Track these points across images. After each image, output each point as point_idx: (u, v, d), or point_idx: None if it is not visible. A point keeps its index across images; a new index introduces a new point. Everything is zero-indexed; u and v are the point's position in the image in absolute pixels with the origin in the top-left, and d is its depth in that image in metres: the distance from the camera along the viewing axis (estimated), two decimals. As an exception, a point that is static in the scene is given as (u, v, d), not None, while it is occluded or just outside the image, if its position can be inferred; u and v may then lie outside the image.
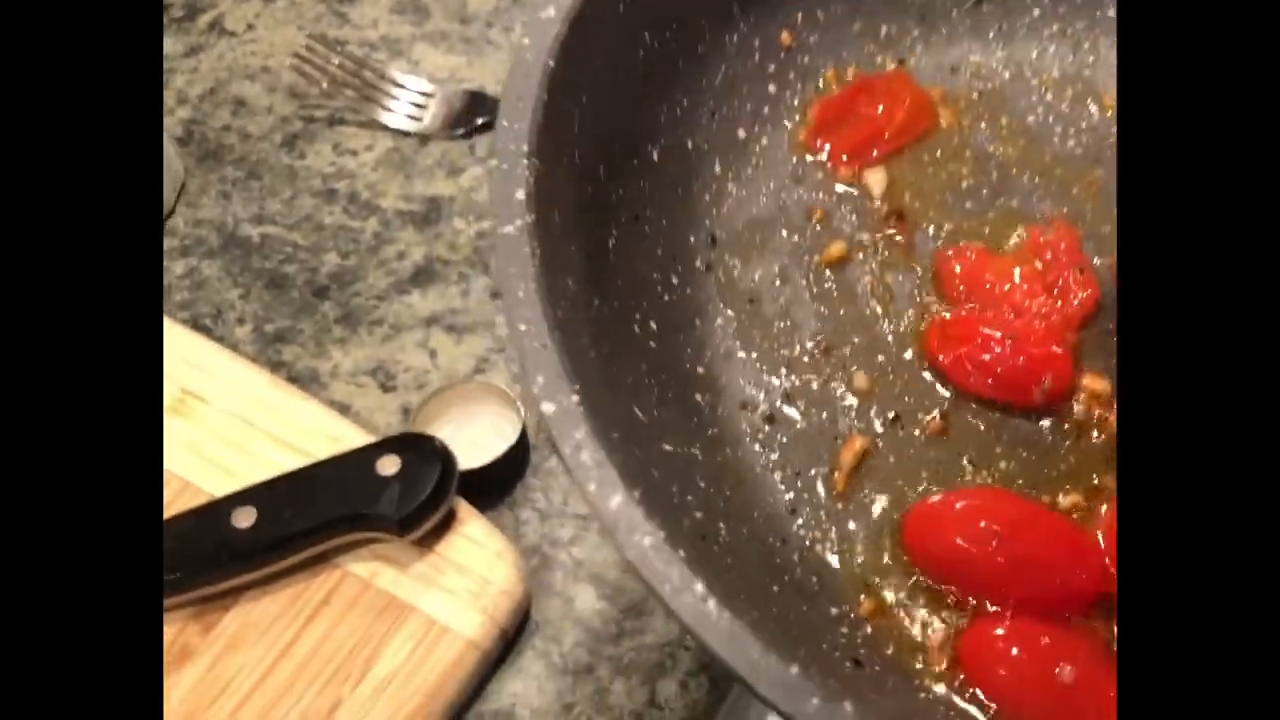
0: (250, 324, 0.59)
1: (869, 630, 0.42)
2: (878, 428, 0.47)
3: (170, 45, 0.71)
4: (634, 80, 0.46)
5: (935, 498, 0.45)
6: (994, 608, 0.43)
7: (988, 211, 0.52)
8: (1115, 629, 0.42)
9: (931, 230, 0.51)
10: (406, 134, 0.66)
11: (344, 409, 0.56)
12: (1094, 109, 0.55)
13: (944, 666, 0.42)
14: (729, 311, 0.48)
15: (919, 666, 0.42)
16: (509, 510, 0.53)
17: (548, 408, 0.34)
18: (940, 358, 0.47)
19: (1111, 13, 0.56)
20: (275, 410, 0.54)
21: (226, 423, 0.54)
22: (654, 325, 0.46)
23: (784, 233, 0.51)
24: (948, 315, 0.48)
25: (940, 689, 0.41)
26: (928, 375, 0.48)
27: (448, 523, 0.51)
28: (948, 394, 0.47)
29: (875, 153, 0.53)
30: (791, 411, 0.47)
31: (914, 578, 0.44)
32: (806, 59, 0.54)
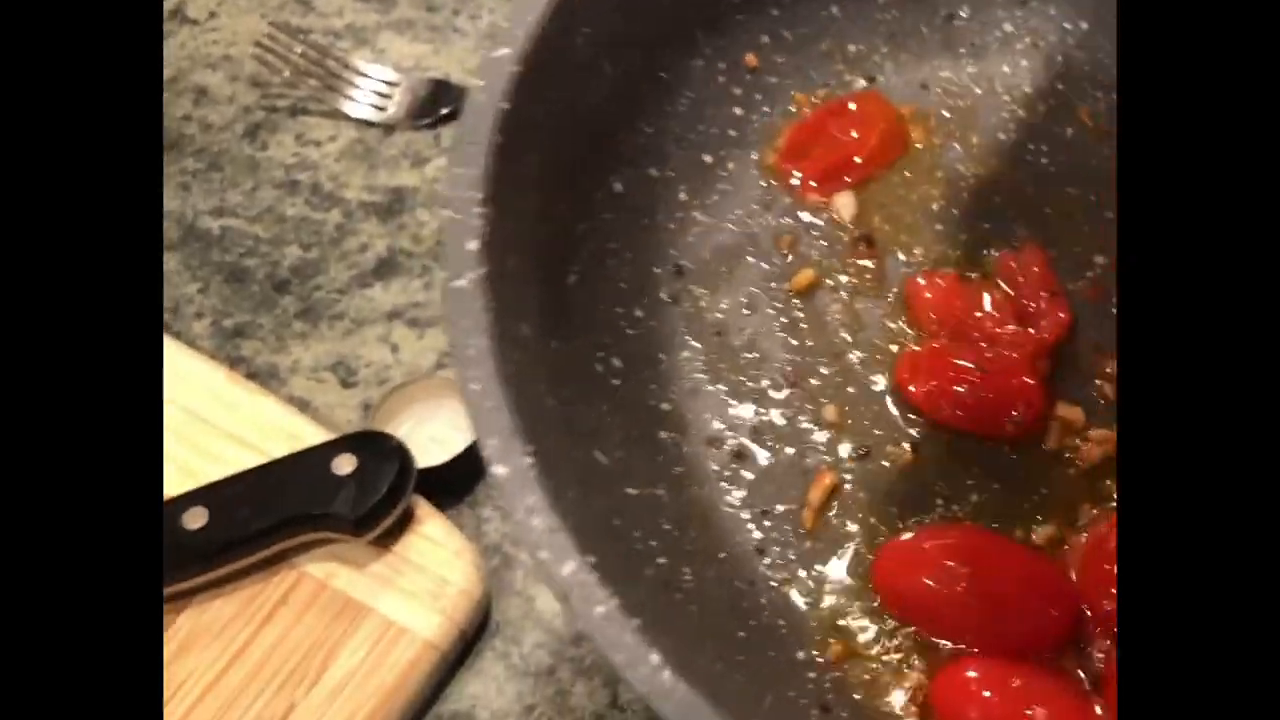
0: (208, 318, 0.59)
1: (838, 675, 0.42)
2: (847, 462, 0.46)
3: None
4: (595, 112, 0.45)
5: (905, 536, 0.45)
6: (966, 649, 0.42)
7: (959, 234, 0.51)
8: (1088, 668, 0.42)
9: (902, 255, 0.51)
10: (371, 124, 0.65)
11: (304, 405, 0.56)
12: (1067, 125, 0.54)
13: (915, 712, 0.41)
14: (696, 344, 0.48)
15: (889, 711, 0.41)
16: (469, 509, 0.53)
17: (499, 470, 0.33)
18: (911, 389, 0.47)
19: (1085, 25, 0.55)
20: (232, 407, 0.54)
21: (181, 420, 0.53)
22: (617, 362, 0.45)
23: (752, 260, 0.50)
24: (918, 347, 0.48)
25: (910, 734, 0.41)
26: (898, 407, 0.47)
27: (406, 522, 0.50)
28: (918, 425, 0.47)
29: (847, 179, 0.52)
30: (759, 448, 0.46)
31: (884, 619, 0.43)
32: (773, 80, 0.53)
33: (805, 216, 0.51)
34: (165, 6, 0.71)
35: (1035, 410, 0.46)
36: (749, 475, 0.46)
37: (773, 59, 0.52)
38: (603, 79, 0.46)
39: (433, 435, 0.55)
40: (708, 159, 0.51)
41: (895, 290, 0.50)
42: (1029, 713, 0.40)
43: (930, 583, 0.43)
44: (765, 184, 0.52)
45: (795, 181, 0.52)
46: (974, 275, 0.50)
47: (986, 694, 0.41)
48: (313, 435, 0.52)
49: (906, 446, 0.46)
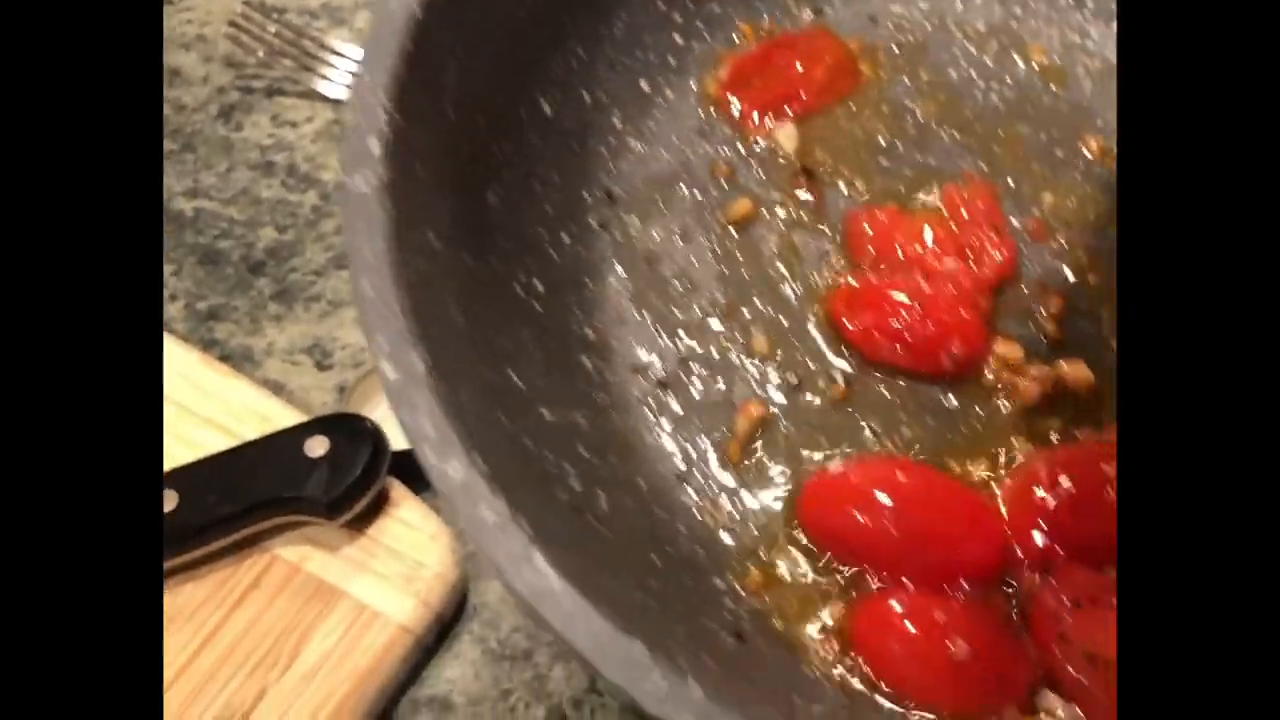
0: (182, 301, 0.58)
1: (756, 604, 0.41)
2: (777, 395, 0.45)
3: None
4: (521, 30, 0.44)
5: (833, 468, 0.43)
6: (889, 582, 0.41)
7: (904, 169, 0.50)
8: (1015, 602, 0.41)
9: (844, 188, 0.49)
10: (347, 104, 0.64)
11: (278, 388, 0.54)
12: (1019, 62, 0.53)
13: (834, 642, 0.40)
14: (624, 272, 0.47)
15: (807, 642, 0.40)
16: None
17: (389, 373, 0.32)
18: (846, 325, 0.46)
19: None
20: (204, 390, 0.53)
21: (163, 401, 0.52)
22: (539, 286, 0.44)
23: (687, 190, 0.49)
24: (854, 280, 0.46)
25: (829, 665, 0.40)
26: (832, 341, 0.46)
27: (380, 505, 0.49)
28: (852, 359, 0.46)
29: (789, 111, 0.51)
30: (687, 377, 0.45)
31: (808, 550, 0.42)
32: (717, 9, 0.52)
33: (744, 147, 0.50)
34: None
35: (973, 346, 0.45)
36: (674, 405, 0.45)
37: (717, -13, 0.51)
38: (529, -4, 0.44)
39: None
40: (645, 85, 0.50)
41: (834, 224, 0.48)
42: (951, 645, 0.39)
43: (856, 515, 0.42)
44: (704, 113, 0.50)
45: (736, 112, 0.51)
46: (916, 210, 0.48)
47: (907, 626, 0.40)
48: (286, 418, 0.51)
49: (839, 380, 0.45)
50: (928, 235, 0.47)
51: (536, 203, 0.45)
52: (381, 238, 0.34)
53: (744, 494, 0.43)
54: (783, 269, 0.47)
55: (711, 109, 0.51)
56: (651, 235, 0.48)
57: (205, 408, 0.52)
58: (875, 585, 0.41)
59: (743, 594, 0.41)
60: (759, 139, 0.50)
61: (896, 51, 0.53)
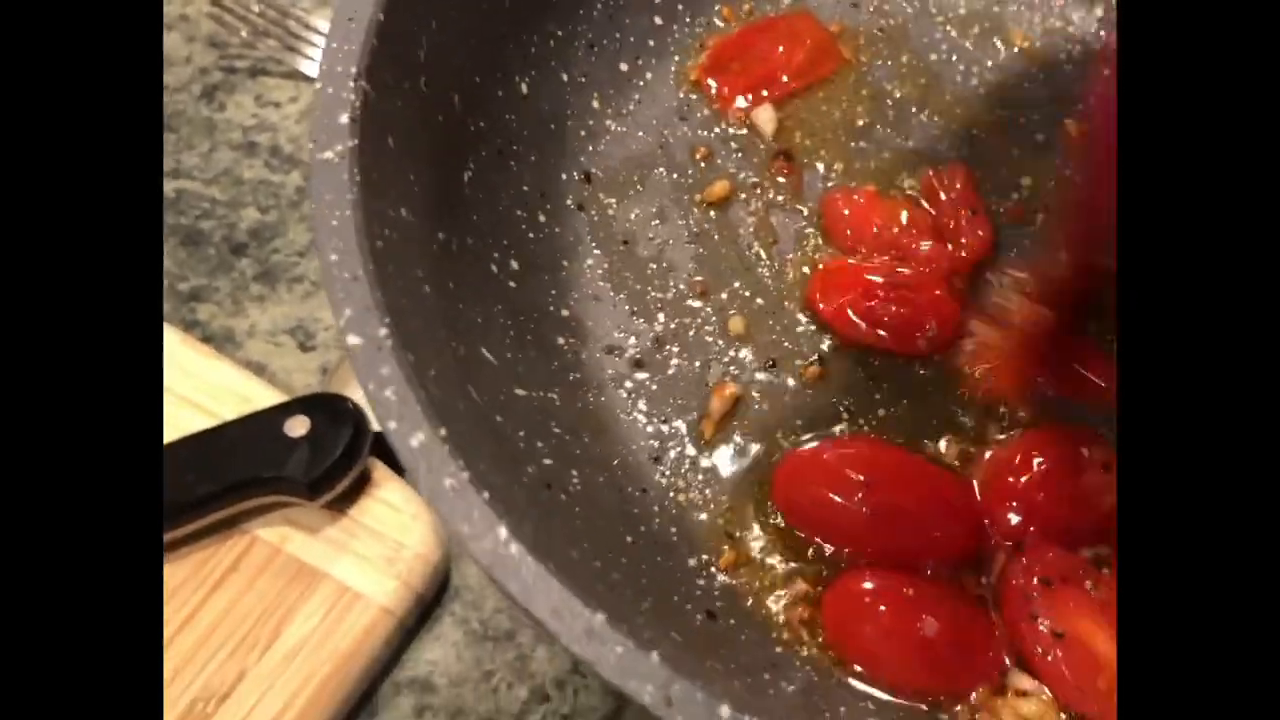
0: (164, 281, 0.57)
1: (727, 582, 0.41)
2: (753, 374, 0.45)
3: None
4: (496, 7, 0.44)
5: (807, 447, 0.43)
6: (862, 561, 0.41)
7: (883, 152, 0.50)
8: (987, 582, 0.40)
9: (822, 170, 0.49)
10: None
11: (260, 369, 0.54)
12: (1000, 47, 0.53)
13: (805, 620, 0.40)
14: (599, 252, 0.46)
15: (778, 620, 0.40)
16: None
17: (353, 340, 0.32)
18: (822, 306, 0.45)
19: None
20: (185, 371, 0.52)
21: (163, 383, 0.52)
22: (515, 264, 0.44)
23: (664, 171, 0.49)
24: (830, 261, 0.46)
25: (799, 643, 0.39)
26: (808, 320, 0.46)
27: (362, 486, 0.49)
28: (827, 340, 0.45)
29: (769, 94, 0.51)
30: (662, 357, 0.45)
31: (781, 529, 0.42)
32: (697, -10, 0.51)
33: (723, 129, 0.50)
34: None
35: (949, 326, 0.45)
36: (649, 385, 0.44)
37: (696, -32, 0.51)
38: (508, -25, 0.44)
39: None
40: (623, 66, 0.49)
41: (811, 206, 0.48)
42: (921, 624, 0.39)
43: (830, 494, 0.42)
44: (683, 95, 0.50)
45: (715, 94, 0.50)
46: (894, 193, 0.48)
47: (877, 604, 0.40)
48: (267, 398, 0.51)
49: (815, 360, 0.45)
50: (904, 216, 0.47)
51: (512, 181, 0.45)
52: (349, 205, 0.34)
53: (717, 473, 0.43)
54: (759, 251, 0.47)
55: (690, 91, 0.50)
56: (628, 216, 0.47)
57: (186, 388, 0.52)
58: (847, 564, 0.41)
59: (715, 573, 0.41)
60: (738, 121, 0.50)
61: (877, 35, 0.53)
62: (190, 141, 0.62)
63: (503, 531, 0.30)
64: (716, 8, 0.52)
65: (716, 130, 0.50)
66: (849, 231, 0.47)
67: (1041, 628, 0.39)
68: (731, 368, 0.45)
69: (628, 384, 0.44)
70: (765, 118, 0.50)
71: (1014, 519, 0.41)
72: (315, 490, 0.47)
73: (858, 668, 0.39)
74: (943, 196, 0.48)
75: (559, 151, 0.47)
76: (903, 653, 0.39)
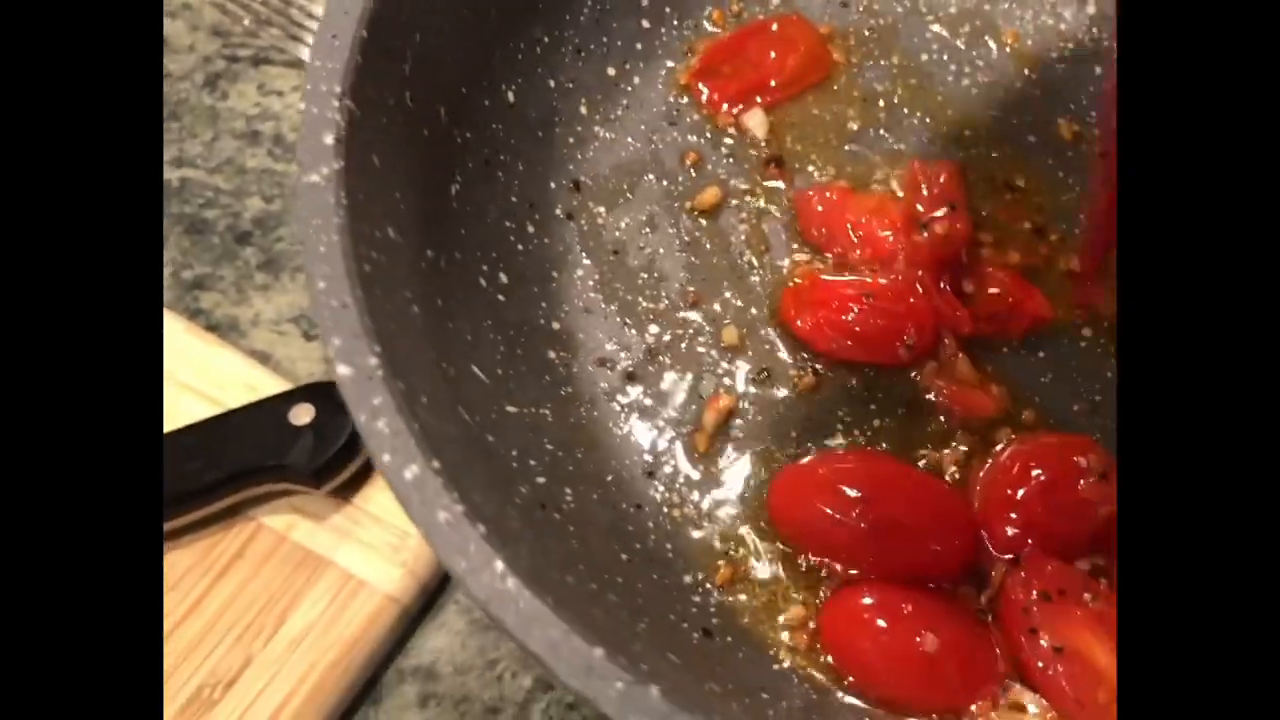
0: (168, 270, 0.57)
1: (724, 600, 0.40)
2: (746, 386, 0.44)
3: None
4: (482, 16, 0.43)
5: (802, 461, 0.43)
6: (859, 575, 0.41)
7: (874, 155, 0.49)
8: (983, 595, 0.40)
9: (815, 174, 0.49)
10: None
11: (265, 358, 0.54)
12: (992, 46, 0.52)
13: (803, 636, 0.40)
14: (590, 262, 0.46)
15: (775, 637, 0.40)
16: None
17: (343, 371, 0.32)
18: (798, 324, 0.45)
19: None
20: (189, 359, 0.52)
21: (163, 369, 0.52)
22: (504, 277, 0.43)
23: (654, 178, 0.48)
24: (802, 274, 0.46)
25: (797, 660, 0.39)
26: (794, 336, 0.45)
27: (366, 474, 0.49)
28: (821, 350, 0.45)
29: (759, 99, 0.50)
30: (654, 369, 0.44)
31: (777, 545, 0.42)
32: (685, -8, 0.51)
33: (713, 134, 0.49)
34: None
35: (928, 333, 0.44)
36: (642, 398, 0.44)
37: (684, -29, 0.50)
38: (489, -18, 0.44)
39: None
40: (611, 71, 0.49)
41: (804, 211, 0.48)
42: (919, 639, 0.39)
43: (826, 508, 0.41)
44: (672, 100, 0.50)
45: (705, 99, 0.50)
46: (876, 187, 0.48)
47: (876, 619, 0.39)
48: (272, 387, 0.51)
49: (808, 371, 0.45)
50: (878, 211, 0.47)
51: (500, 193, 0.44)
52: (335, 229, 0.33)
53: (712, 488, 0.43)
54: (752, 259, 0.47)
55: (680, 95, 0.50)
56: (618, 225, 0.47)
57: (190, 376, 0.52)
58: (844, 579, 0.41)
59: (711, 589, 0.40)
60: (728, 126, 0.49)
61: (867, 35, 0.52)
62: (193, 130, 0.61)
63: (499, 565, 0.30)
64: (706, 10, 0.51)
65: (707, 135, 0.49)
66: (823, 230, 0.47)
67: (1041, 642, 0.38)
68: (725, 379, 0.45)
69: (620, 397, 0.44)
70: (756, 122, 0.49)
71: (1011, 531, 0.41)
72: (320, 478, 0.47)
73: (856, 684, 0.39)
74: (924, 190, 0.47)
75: (547, 160, 0.46)
76: (902, 668, 0.39)
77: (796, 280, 0.46)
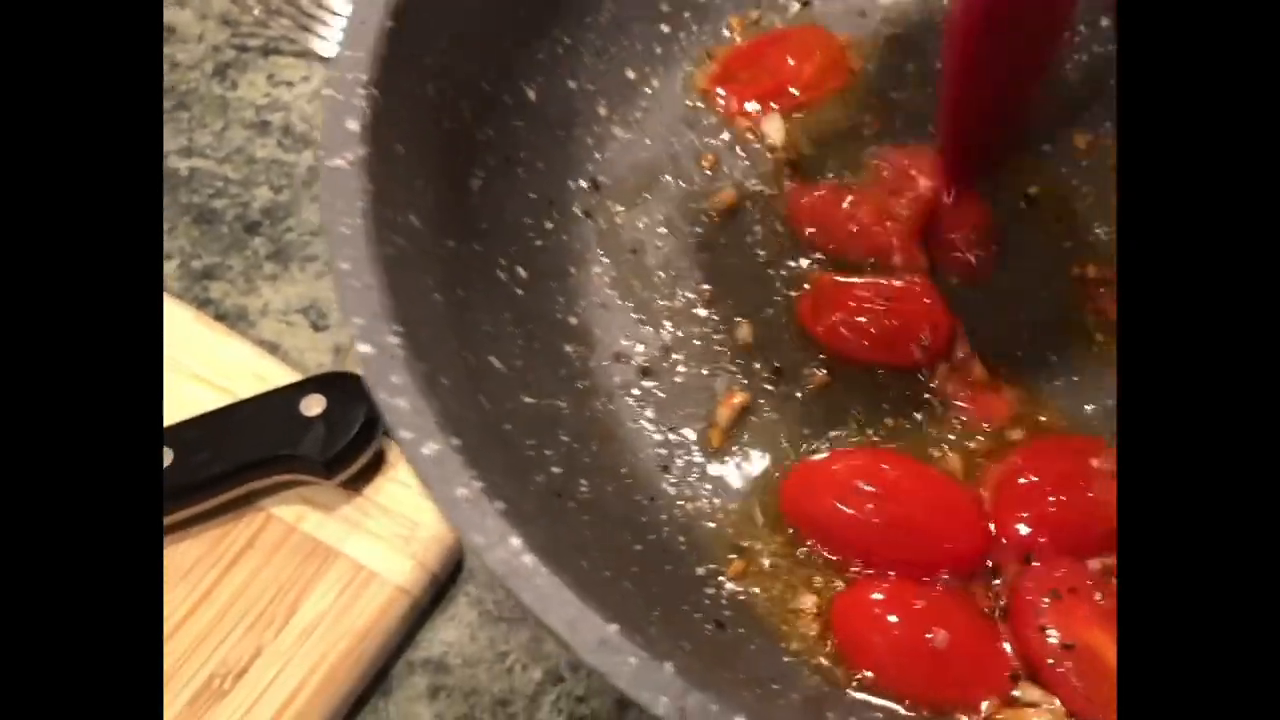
0: (176, 260, 0.57)
1: (736, 592, 0.40)
2: (760, 383, 0.45)
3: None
4: (505, 14, 0.44)
5: (816, 457, 0.43)
6: (871, 571, 0.41)
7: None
8: (996, 593, 0.40)
9: (832, 180, 0.49)
10: None
11: (273, 348, 0.54)
12: (1007, 56, 0.52)
13: (814, 630, 0.40)
14: (607, 260, 0.46)
15: (787, 630, 0.40)
16: None
17: (365, 350, 0.32)
18: (814, 325, 0.45)
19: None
20: (199, 348, 0.52)
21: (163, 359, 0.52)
22: (523, 272, 0.44)
23: (672, 179, 0.48)
24: (816, 279, 0.46)
25: (808, 653, 0.39)
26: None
27: (377, 465, 0.49)
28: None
29: (776, 104, 0.51)
30: (669, 365, 0.45)
31: (790, 539, 0.42)
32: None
33: (730, 138, 0.50)
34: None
35: (943, 334, 0.45)
36: (657, 393, 0.44)
37: (704, -23, 0.51)
38: (515, -17, 0.44)
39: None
40: (631, 74, 0.49)
41: (819, 214, 0.48)
42: (930, 635, 0.39)
43: (839, 505, 0.41)
44: (690, 103, 0.50)
45: (723, 103, 0.50)
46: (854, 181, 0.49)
47: (887, 615, 0.40)
48: (282, 377, 0.51)
49: (822, 369, 0.45)
50: (860, 193, 0.47)
51: (520, 189, 0.45)
52: (359, 213, 0.34)
53: (726, 482, 0.43)
54: (767, 260, 0.47)
55: (698, 100, 0.50)
56: (636, 224, 0.47)
57: (200, 366, 0.52)
58: (856, 574, 0.41)
59: (723, 581, 0.41)
60: (745, 130, 0.50)
61: (884, 43, 0.53)
62: (203, 120, 0.62)
63: (516, 541, 0.30)
64: (725, 18, 0.52)
65: (724, 139, 0.50)
66: (814, 229, 0.47)
67: (1051, 639, 0.39)
68: (739, 376, 0.45)
69: (635, 392, 0.44)
70: (773, 127, 0.50)
71: (1023, 530, 0.41)
72: (331, 469, 0.47)
73: (867, 678, 0.39)
74: (907, 168, 0.48)
75: (566, 159, 0.47)
76: (912, 664, 0.39)
77: (811, 282, 0.46)
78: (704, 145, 0.50)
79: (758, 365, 0.45)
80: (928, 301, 0.44)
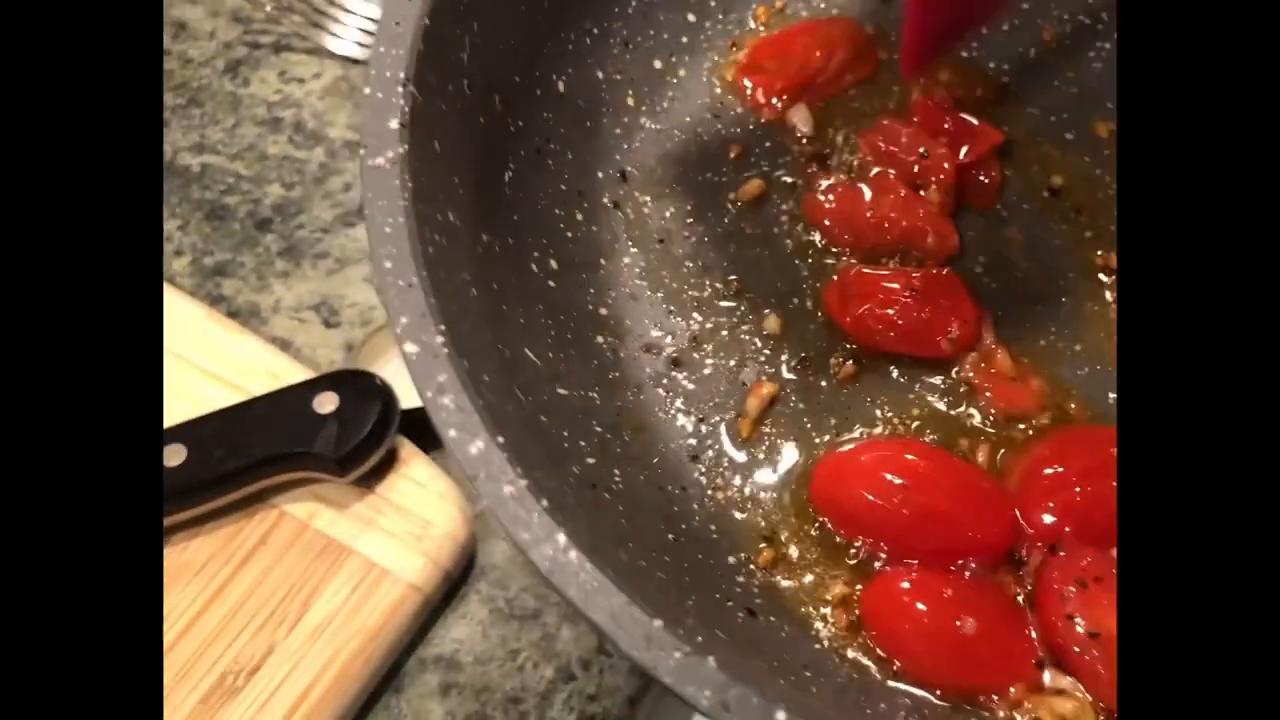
0: (188, 256, 0.57)
1: (767, 580, 0.41)
2: (788, 373, 0.45)
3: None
4: (534, 7, 0.44)
5: (845, 448, 0.44)
6: (899, 560, 0.42)
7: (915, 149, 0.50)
8: (1021, 581, 0.41)
9: (858, 168, 0.50)
10: (355, 61, 0.64)
11: (286, 345, 0.54)
12: (1031, 45, 0.53)
13: (844, 618, 0.40)
14: (636, 250, 0.47)
15: (817, 618, 0.40)
16: None
17: (410, 349, 0.32)
18: (843, 318, 0.46)
19: (1052, -55, 0.54)
20: (211, 345, 0.52)
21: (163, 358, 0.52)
22: (554, 263, 0.44)
23: (700, 169, 0.49)
24: (844, 271, 0.47)
25: (838, 641, 0.40)
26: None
27: (389, 463, 0.49)
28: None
29: (803, 95, 0.51)
30: (698, 355, 0.45)
31: (819, 528, 0.42)
32: (729, -12, 0.52)
33: (757, 129, 0.50)
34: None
35: (970, 327, 0.45)
36: (686, 383, 0.45)
37: (729, -33, 0.51)
38: (545, -24, 0.45)
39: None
40: (658, 64, 0.50)
41: (846, 203, 0.49)
42: (959, 623, 0.40)
43: (868, 495, 0.42)
44: (717, 93, 0.51)
45: (749, 93, 0.51)
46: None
47: (917, 603, 0.40)
48: (294, 374, 0.51)
49: (849, 360, 0.45)
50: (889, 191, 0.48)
51: (551, 180, 0.45)
52: (401, 211, 0.34)
53: (755, 472, 0.43)
54: (794, 250, 0.48)
55: (725, 90, 0.51)
56: (664, 214, 0.48)
57: (212, 363, 0.52)
58: (885, 563, 0.42)
59: (754, 570, 0.41)
60: (772, 120, 0.50)
61: (909, 33, 0.53)
62: (215, 116, 0.62)
63: (561, 538, 0.31)
64: (751, 7, 0.52)
65: (750, 129, 0.50)
66: (837, 229, 0.47)
67: (1077, 627, 0.39)
68: (767, 367, 0.45)
69: (665, 382, 0.45)
70: (800, 117, 0.50)
71: (1049, 519, 0.41)
72: (344, 466, 0.47)
73: (896, 665, 0.40)
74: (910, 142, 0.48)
75: (595, 150, 0.47)
76: (941, 651, 0.40)
77: (838, 273, 0.47)
78: (731, 135, 0.50)
79: (785, 355, 0.46)
80: (955, 294, 0.45)
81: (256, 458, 0.47)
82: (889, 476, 0.42)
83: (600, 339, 0.44)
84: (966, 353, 0.45)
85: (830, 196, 0.48)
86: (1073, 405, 0.44)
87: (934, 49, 0.48)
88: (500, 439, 0.32)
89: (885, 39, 0.53)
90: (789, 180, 0.49)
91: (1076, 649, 0.39)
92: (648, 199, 0.48)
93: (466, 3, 0.40)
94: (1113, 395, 0.45)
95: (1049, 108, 0.51)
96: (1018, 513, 0.42)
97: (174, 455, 0.47)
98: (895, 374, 0.45)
